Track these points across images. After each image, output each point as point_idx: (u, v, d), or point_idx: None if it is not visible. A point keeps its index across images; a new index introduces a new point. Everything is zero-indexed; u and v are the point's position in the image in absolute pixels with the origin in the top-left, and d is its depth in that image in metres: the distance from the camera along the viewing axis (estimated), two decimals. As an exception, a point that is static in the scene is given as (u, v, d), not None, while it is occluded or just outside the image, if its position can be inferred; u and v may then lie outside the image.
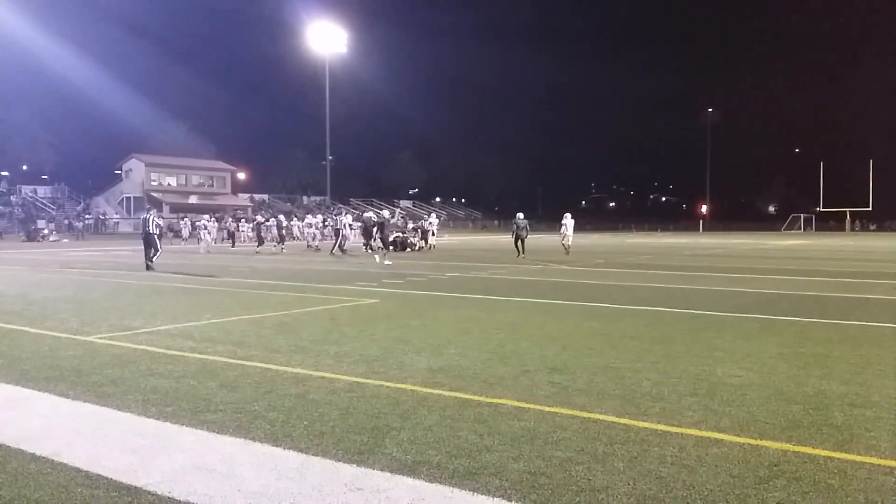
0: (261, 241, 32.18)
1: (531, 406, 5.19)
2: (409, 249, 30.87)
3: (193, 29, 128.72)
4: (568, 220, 26.85)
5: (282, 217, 37.33)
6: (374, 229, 22.42)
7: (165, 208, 67.95)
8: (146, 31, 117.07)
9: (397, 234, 32.45)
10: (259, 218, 39.73)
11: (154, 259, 19.44)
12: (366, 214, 26.80)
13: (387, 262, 21.35)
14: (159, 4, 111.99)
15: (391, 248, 30.13)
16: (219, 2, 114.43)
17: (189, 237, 41.44)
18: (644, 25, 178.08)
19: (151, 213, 21.03)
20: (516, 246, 24.70)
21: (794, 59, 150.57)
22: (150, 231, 19.79)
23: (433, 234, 33.21)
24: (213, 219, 42.16)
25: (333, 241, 29.90)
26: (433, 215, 37.66)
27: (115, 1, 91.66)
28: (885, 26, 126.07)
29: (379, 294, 12.96)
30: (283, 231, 33.47)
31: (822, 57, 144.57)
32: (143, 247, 20.05)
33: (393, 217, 23.88)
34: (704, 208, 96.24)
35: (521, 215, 25.35)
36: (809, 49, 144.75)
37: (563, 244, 26.66)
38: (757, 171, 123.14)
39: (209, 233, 35.53)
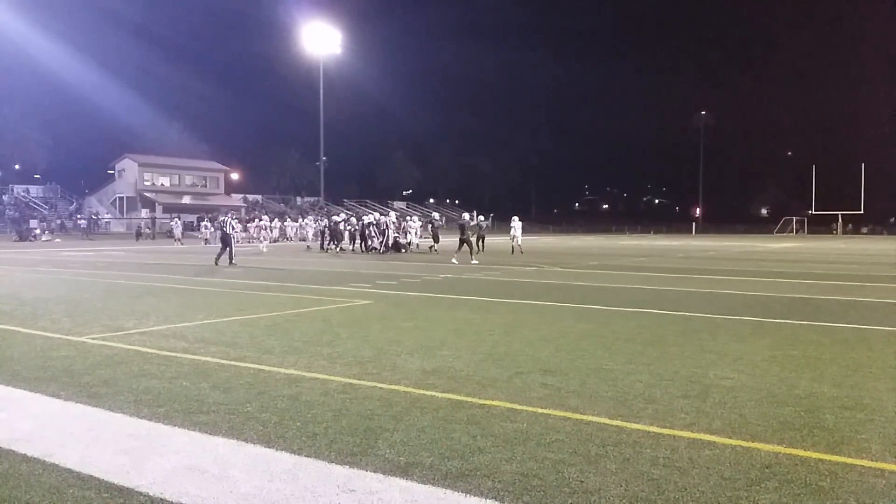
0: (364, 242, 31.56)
1: (524, 408, 5.20)
2: (403, 251, 30.88)
3: (187, 28, 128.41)
4: (516, 223, 28.87)
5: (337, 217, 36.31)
6: (461, 230, 23.89)
7: (158, 208, 67.75)
8: (140, 30, 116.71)
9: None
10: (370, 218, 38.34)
11: (233, 258, 21.40)
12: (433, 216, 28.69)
13: (474, 261, 22.43)
14: (153, 3, 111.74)
15: (389, 248, 30.17)
16: (213, 1, 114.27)
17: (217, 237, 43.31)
18: (638, 28, 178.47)
19: (229, 216, 24.13)
20: (476, 244, 27.33)
21: (787, 63, 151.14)
22: (228, 232, 22.17)
23: (417, 235, 33.69)
24: (274, 219, 42.74)
25: (380, 241, 30.48)
26: (415, 217, 37.86)
27: (110, 0, 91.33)
28: (877, 31, 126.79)
29: (372, 295, 12.96)
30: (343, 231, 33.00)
31: (815, 61, 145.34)
32: (220, 245, 22.53)
33: (473, 221, 24.49)
34: (697, 211, 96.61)
35: (477, 215, 27.80)
36: (802, 53, 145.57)
37: (512, 245, 28.47)
38: (749, 174, 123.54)
39: (270, 232, 36.22)
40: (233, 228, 22.98)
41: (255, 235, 40.40)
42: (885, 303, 12.24)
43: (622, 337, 8.36)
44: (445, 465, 4.02)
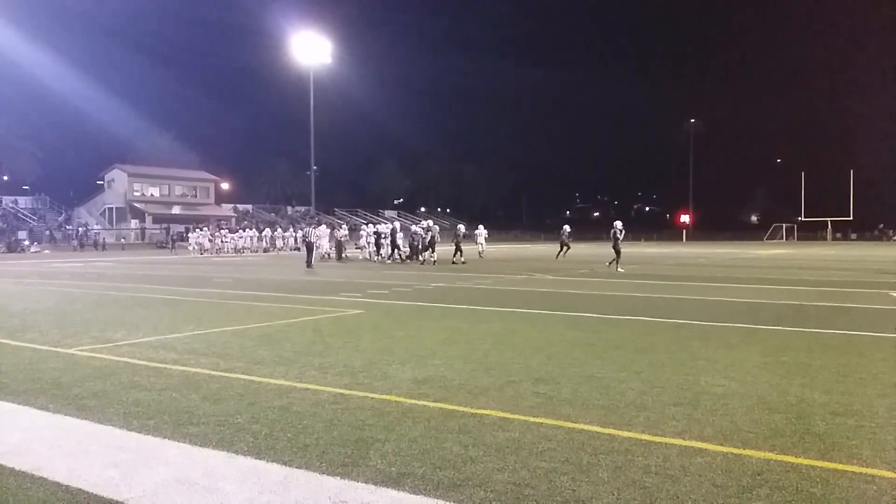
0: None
1: (516, 417, 5.19)
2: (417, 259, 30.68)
3: (178, 38, 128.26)
4: (481, 230, 33.60)
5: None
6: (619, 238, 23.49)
7: (148, 219, 67.48)
8: (130, 41, 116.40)
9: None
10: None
11: (311, 262, 26.13)
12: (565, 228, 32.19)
13: (619, 269, 22.69)
14: (144, 14, 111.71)
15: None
16: (204, 11, 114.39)
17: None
18: (627, 36, 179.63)
19: (312, 226, 29.78)
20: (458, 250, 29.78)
21: (776, 71, 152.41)
22: (311, 240, 26.99)
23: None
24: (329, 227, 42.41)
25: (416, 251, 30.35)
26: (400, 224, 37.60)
27: (99, 9, 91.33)
28: (866, 38, 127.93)
29: (363, 305, 12.93)
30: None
31: (804, 68, 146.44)
32: (304, 251, 27.07)
33: (621, 232, 23.96)
34: (687, 218, 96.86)
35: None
36: (791, 60, 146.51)
37: (479, 251, 32.57)
38: (739, 181, 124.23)
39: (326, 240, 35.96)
40: (317, 237, 27.81)
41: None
42: (874, 308, 12.30)
43: (613, 345, 8.37)
44: (437, 475, 4.01)
